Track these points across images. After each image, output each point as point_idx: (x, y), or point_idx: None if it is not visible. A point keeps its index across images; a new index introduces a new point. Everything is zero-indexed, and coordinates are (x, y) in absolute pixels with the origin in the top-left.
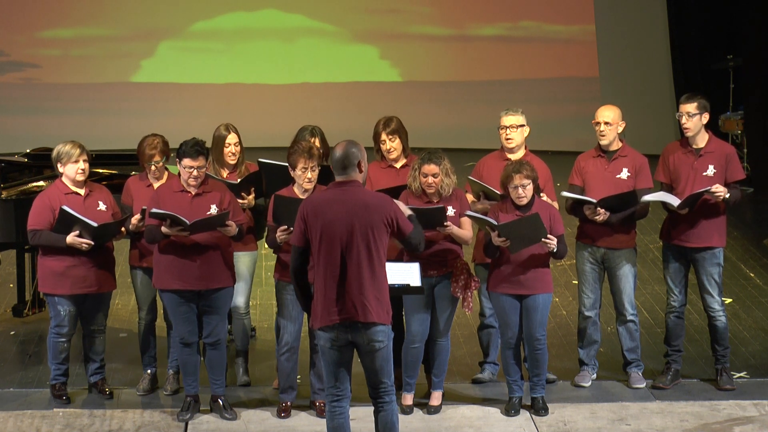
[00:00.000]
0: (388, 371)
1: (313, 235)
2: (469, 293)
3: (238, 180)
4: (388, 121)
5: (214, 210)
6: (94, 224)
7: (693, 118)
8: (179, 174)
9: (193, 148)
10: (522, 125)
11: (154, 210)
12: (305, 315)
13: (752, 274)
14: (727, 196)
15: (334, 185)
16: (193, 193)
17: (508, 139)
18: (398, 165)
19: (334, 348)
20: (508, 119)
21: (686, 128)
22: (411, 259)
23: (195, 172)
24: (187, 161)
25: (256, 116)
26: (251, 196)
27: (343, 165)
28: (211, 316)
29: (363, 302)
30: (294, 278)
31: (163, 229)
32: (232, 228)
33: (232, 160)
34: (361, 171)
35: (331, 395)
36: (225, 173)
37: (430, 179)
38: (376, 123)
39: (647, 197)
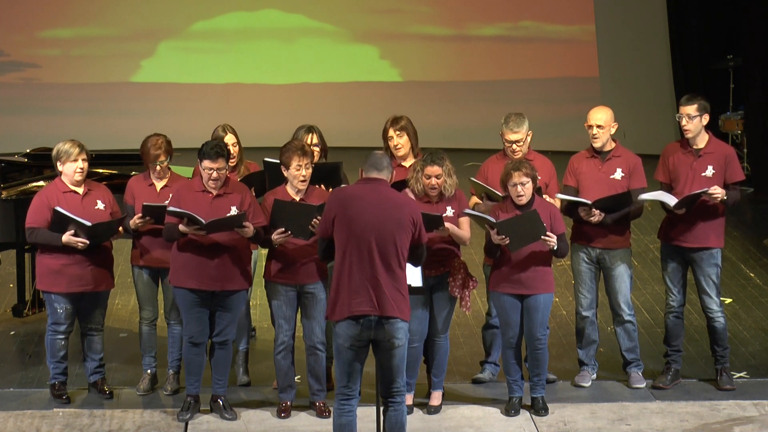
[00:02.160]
0: (402, 371)
1: (339, 226)
2: (467, 293)
3: (238, 180)
4: (398, 118)
5: (234, 211)
6: (88, 223)
7: (693, 120)
8: (200, 174)
9: (213, 150)
10: (527, 135)
11: (171, 208)
12: (298, 314)
13: (752, 274)
14: (725, 197)
15: (362, 181)
16: (214, 194)
17: (514, 152)
18: (406, 163)
19: (353, 348)
20: (514, 135)
21: (686, 130)
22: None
23: (215, 174)
24: (207, 162)
25: (256, 116)
26: None
27: (378, 166)
28: (223, 315)
29: (386, 297)
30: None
31: (181, 227)
32: (250, 229)
33: (231, 162)
34: (390, 180)
35: (342, 394)
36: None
37: (434, 180)
38: (385, 121)
39: (644, 196)
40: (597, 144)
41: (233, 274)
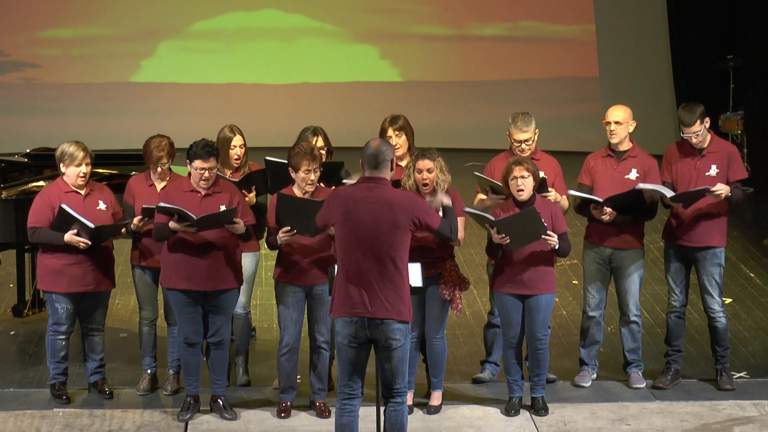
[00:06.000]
0: (403, 372)
1: (338, 227)
2: (458, 295)
3: (240, 178)
4: (396, 118)
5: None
6: (91, 225)
7: (700, 135)
8: (189, 174)
9: (204, 150)
10: (534, 134)
11: (161, 204)
12: (305, 316)
13: (752, 274)
14: (729, 194)
15: (363, 180)
16: (203, 194)
17: (522, 151)
18: (403, 163)
19: (352, 345)
20: (523, 135)
21: (697, 142)
22: (412, 260)
23: (206, 174)
24: (198, 163)
25: (256, 116)
26: (252, 194)
27: (376, 162)
28: (216, 316)
29: (378, 298)
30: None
31: (171, 224)
32: (240, 225)
33: (236, 162)
34: (392, 170)
35: (343, 393)
36: (228, 173)
37: (425, 174)
38: (383, 120)
39: (641, 185)
40: (614, 140)
41: (224, 273)
